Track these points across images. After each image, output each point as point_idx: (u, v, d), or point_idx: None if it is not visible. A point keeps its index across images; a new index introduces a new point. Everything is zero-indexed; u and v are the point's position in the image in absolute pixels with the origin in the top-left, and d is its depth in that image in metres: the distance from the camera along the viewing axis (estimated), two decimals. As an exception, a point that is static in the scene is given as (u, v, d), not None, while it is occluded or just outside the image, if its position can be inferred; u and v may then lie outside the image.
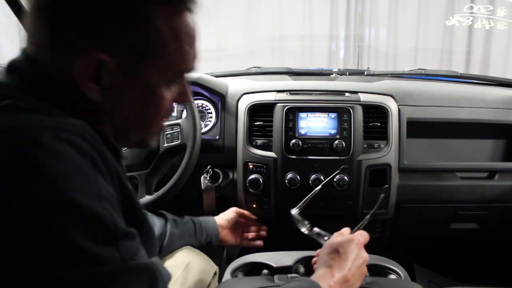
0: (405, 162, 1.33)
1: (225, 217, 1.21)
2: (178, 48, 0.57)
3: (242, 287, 0.88)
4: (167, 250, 1.01)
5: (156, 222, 1.02)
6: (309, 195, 1.04)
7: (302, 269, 0.96)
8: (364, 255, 0.80)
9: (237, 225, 1.24)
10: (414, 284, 0.90)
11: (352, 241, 0.80)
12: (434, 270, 1.72)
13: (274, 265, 0.96)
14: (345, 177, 1.26)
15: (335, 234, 0.87)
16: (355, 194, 1.28)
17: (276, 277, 0.90)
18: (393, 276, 0.94)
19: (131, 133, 0.61)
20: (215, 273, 1.10)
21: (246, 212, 1.28)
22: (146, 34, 0.54)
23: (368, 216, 0.93)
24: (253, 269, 0.97)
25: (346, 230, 0.88)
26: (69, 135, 0.47)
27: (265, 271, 0.96)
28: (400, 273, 0.94)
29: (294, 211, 0.98)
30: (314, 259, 0.89)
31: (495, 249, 1.71)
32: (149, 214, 1.00)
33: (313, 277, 0.73)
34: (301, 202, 1.01)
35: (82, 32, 0.52)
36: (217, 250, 1.48)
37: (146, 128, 0.62)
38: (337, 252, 0.78)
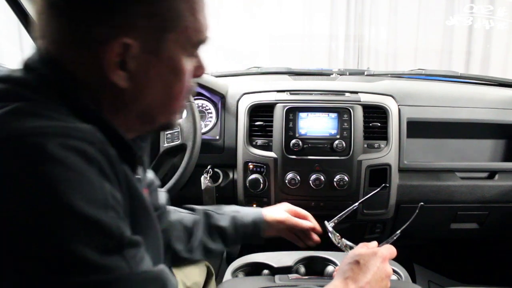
0: (405, 162, 1.33)
1: (283, 209, 1.03)
2: (193, 19, 0.58)
3: (243, 287, 0.87)
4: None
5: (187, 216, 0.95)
6: (346, 210, 0.98)
7: (302, 269, 0.96)
8: (388, 269, 0.76)
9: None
10: (414, 285, 0.90)
11: (375, 253, 0.75)
12: (434, 270, 1.72)
13: (275, 265, 0.96)
14: (345, 177, 1.26)
15: (360, 244, 0.83)
16: (355, 194, 1.28)
17: (276, 277, 0.89)
18: (393, 277, 0.94)
19: (158, 115, 0.62)
20: (211, 275, 1.08)
21: (300, 210, 1.06)
22: (163, 11, 0.55)
23: (398, 232, 0.88)
24: (253, 269, 0.97)
25: (372, 243, 0.84)
26: (76, 142, 0.47)
27: (265, 271, 0.96)
28: (400, 273, 0.94)
29: (329, 225, 0.95)
30: (337, 267, 0.85)
31: (495, 249, 1.71)
32: (177, 209, 0.97)
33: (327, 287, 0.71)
34: (337, 217, 0.97)
35: (103, 22, 0.52)
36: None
37: (171, 107, 0.62)
38: (357, 263, 0.73)
